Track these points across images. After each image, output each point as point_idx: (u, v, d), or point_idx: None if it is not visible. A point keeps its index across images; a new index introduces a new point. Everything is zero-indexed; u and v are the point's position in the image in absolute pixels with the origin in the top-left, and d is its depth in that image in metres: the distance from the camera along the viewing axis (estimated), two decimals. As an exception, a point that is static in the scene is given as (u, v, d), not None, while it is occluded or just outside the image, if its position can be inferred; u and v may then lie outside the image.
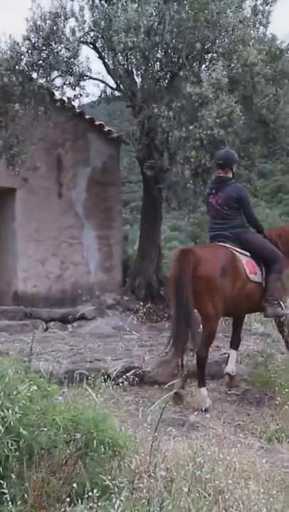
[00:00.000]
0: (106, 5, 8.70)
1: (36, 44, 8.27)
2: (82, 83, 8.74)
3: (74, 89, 8.77)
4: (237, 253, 5.44)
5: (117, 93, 9.39)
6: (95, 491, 2.42)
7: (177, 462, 2.91)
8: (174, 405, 4.89)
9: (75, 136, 10.29)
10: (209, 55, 8.59)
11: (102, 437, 2.67)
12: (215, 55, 8.42)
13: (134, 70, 8.78)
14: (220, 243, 5.49)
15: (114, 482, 2.50)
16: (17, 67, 8.19)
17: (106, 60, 9.08)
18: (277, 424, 4.53)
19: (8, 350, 5.30)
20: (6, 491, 2.32)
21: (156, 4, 8.08)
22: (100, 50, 9.06)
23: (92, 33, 8.93)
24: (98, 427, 2.68)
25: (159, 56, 8.59)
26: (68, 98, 9.07)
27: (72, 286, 9.99)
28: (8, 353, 4.63)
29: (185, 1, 8.04)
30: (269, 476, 3.14)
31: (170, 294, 5.47)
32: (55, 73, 8.51)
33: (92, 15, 8.81)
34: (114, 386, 3.82)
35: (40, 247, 9.77)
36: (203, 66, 8.57)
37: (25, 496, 2.39)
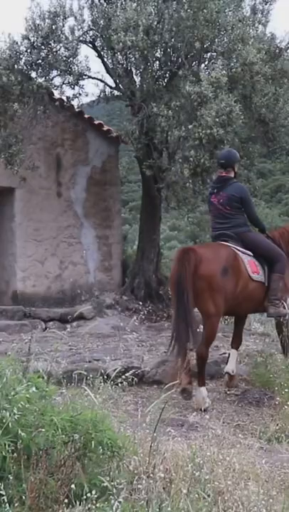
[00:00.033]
0: (105, 4, 8.69)
1: (35, 43, 8.25)
2: (81, 82, 8.74)
3: (73, 89, 8.77)
4: (239, 252, 5.43)
5: (116, 92, 9.37)
6: (93, 492, 2.41)
7: (176, 463, 2.89)
8: (174, 406, 4.87)
9: (74, 135, 10.28)
10: (208, 54, 8.57)
11: (100, 438, 2.66)
12: (214, 54, 8.41)
13: (133, 69, 8.76)
14: (222, 242, 5.49)
15: (112, 483, 2.49)
16: (16, 66, 8.17)
17: (105, 59, 9.07)
18: (277, 425, 4.51)
19: (6, 350, 5.28)
20: (3, 492, 2.31)
21: (156, 3, 8.07)
22: (99, 49, 9.04)
23: (91, 32, 8.92)
24: (97, 428, 2.67)
25: (158, 55, 8.57)
26: (67, 97, 9.06)
27: (71, 285, 9.98)
28: (7, 352, 4.61)
29: (184, 0, 8.02)
30: (269, 477, 3.13)
31: (171, 293, 5.48)
32: (54, 72, 8.49)
33: (91, 14, 8.80)
34: (113, 386, 3.81)
35: (40, 246, 9.76)
36: (203, 65, 8.54)
37: (23, 497, 2.38)
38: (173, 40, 8.16)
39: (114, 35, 7.74)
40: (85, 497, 2.42)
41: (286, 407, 4.56)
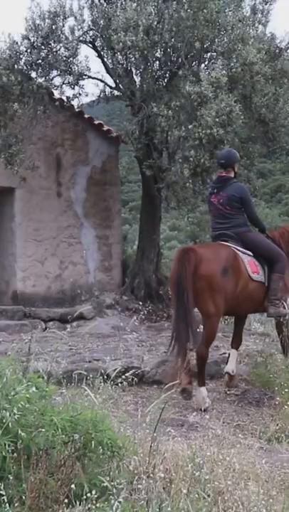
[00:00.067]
0: (105, 4, 8.69)
1: (35, 43, 8.25)
2: (81, 82, 8.74)
3: (73, 89, 8.77)
4: (239, 252, 5.43)
5: (116, 92, 9.37)
6: (93, 492, 2.41)
7: (176, 463, 2.89)
8: (174, 406, 4.87)
9: (74, 135, 10.27)
10: (208, 54, 8.57)
11: (100, 438, 2.65)
12: (214, 54, 8.40)
13: (133, 69, 8.76)
14: (222, 242, 5.49)
15: (112, 483, 2.49)
16: (16, 66, 8.16)
17: (105, 59, 9.07)
18: (277, 425, 4.51)
19: (6, 350, 5.28)
20: (3, 492, 2.30)
21: (156, 3, 8.06)
22: (99, 49, 9.04)
23: (91, 32, 8.92)
24: (97, 428, 2.67)
25: (158, 55, 8.57)
26: (67, 97, 9.06)
27: (71, 285, 9.97)
28: (7, 352, 4.61)
29: (184, 0, 8.02)
30: (269, 477, 3.13)
31: (171, 293, 5.48)
32: (54, 72, 8.49)
33: (91, 14, 8.80)
34: (113, 386, 3.81)
35: (40, 246, 9.75)
36: (203, 65, 8.54)
37: (23, 497, 2.38)
38: (173, 40, 8.15)
39: (114, 35, 7.74)
40: (85, 497, 2.42)
41: (286, 407, 4.56)
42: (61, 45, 8.36)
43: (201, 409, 4.92)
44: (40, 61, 8.31)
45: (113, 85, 9.25)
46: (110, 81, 9.25)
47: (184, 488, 2.61)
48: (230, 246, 5.43)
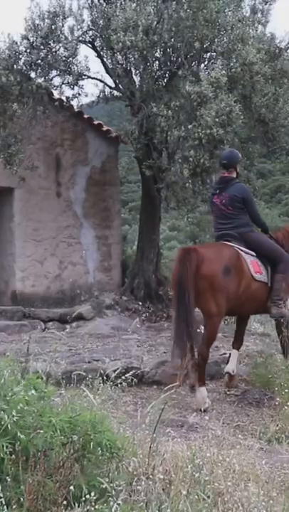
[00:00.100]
0: (105, 4, 8.68)
1: (35, 43, 8.23)
2: (80, 82, 8.73)
3: (72, 89, 8.76)
4: (242, 252, 5.42)
5: (115, 92, 9.37)
6: (92, 493, 2.40)
7: (176, 464, 2.87)
8: (173, 406, 4.86)
9: (74, 135, 10.26)
10: (208, 54, 8.56)
11: (99, 439, 2.64)
12: (214, 54, 8.39)
13: (132, 69, 8.75)
14: (225, 242, 5.49)
15: (111, 485, 2.48)
16: (15, 66, 8.15)
17: (104, 60, 9.06)
18: (277, 425, 4.49)
19: (5, 350, 5.27)
20: (1, 494, 2.29)
21: (155, 3, 8.04)
22: (99, 49, 9.03)
23: (90, 32, 8.91)
24: (96, 429, 2.66)
25: (158, 55, 8.56)
26: (67, 97, 9.05)
27: (70, 286, 9.96)
28: (6, 353, 4.59)
29: (184, 0, 8.01)
30: (269, 478, 3.11)
31: (173, 293, 5.47)
32: (53, 72, 8.47)
33: (90, 14, 8.79)
34: (113, 387, 3.80)
35: (39, 246, 9.74)
36: (202, 65, 8.53)
37: (21, 499, 2.36)
38: (172, 40, 8.14)
39: (113, 35, 7.72)
40: (83, 499, 2.40)
41: (286, 407, 4.54)
42: (61, 45, 8.35)
43: (200, 410, 4.90)
44: (39, 61, 8.30)
45: (113, 85, 9.25)
46: (110, 81, 9.26)
47: (183, 490, 2.60)
48: (233, 246, 5.42)
